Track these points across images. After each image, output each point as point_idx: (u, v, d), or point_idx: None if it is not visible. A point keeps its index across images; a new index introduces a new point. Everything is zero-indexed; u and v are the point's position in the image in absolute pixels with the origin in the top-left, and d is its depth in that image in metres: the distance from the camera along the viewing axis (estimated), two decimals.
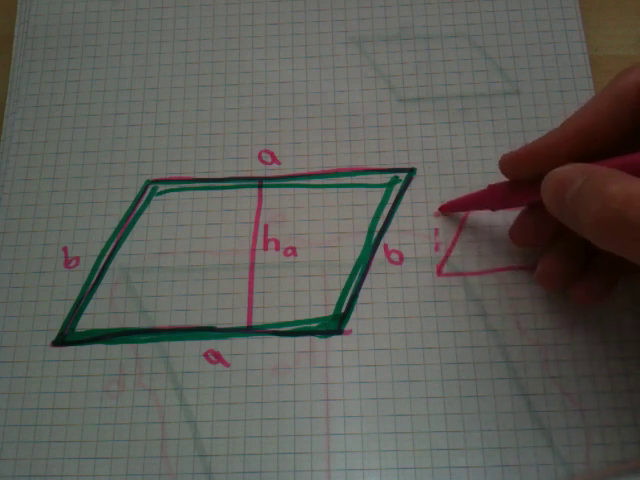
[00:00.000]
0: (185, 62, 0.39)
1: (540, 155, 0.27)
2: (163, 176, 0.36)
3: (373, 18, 0.39)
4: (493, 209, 0.32)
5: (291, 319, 0.33)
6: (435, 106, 0.36)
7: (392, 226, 0.34)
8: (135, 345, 0.33)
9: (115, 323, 0.33)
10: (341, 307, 0.33)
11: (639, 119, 0.25)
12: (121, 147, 0.37)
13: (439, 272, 0.33)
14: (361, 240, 0.34)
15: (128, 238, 0.35)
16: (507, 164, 0.29)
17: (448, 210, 0.34)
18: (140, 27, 0.39)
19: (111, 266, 0.34)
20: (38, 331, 0.33)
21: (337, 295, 0.33)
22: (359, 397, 0.31)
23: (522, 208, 0.31)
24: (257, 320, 0.33)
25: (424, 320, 0.32)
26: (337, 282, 0.33)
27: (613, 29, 0.38)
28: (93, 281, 0.34)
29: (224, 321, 0.33)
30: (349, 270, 0.34)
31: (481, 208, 0.33)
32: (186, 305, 0.34)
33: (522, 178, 0.29)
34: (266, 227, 0.35)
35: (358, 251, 0.34)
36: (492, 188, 0.31)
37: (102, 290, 0.34)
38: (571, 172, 0.24)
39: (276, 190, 0.35)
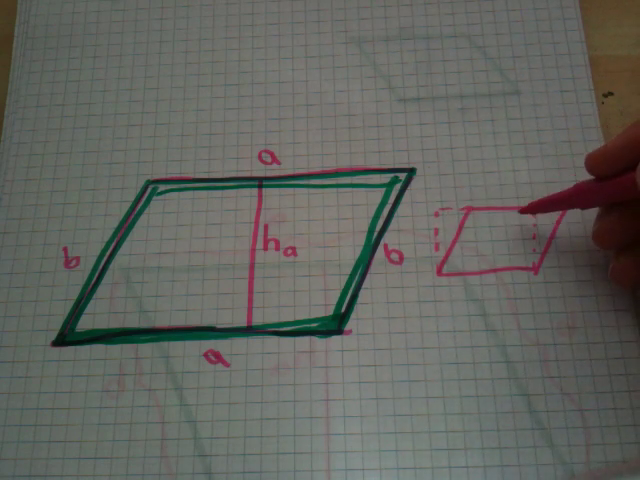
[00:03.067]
0: (185, 62, 0.39)
1: (631, 147, 0.27)
2: (163, 176, 0.36)
3: (373, 18, 0.39)
4: (582, 208, 0.31)
5: (291, 319, 0.33)
6: (435, 106, 0.36)
7: (392, 226, 0.34)
8: (135, 345, 0.33)
9: (115, 323, 0.33)
10: (341, 307, 0.33)
11: None
12: (121, 147, 0.37)
13: (439, 272, 0.33)
14: (361, 240, 0.34)
15: (128, 238, 0.35)
16: (596, 160, 0.28)
17: (531, 211, 0.33)
18: (140, 27, 0.39)
19: (111, 266, 0.34)
20: (38, 331, 0.33)
21: (337, 295, 0.33)
22: (359, 397, 0.31)
23: (599, 212, 0.30)
24: (257, 320, 0.33)
25: (424, 320, 0.32)
26: (337, 282, 0.33)
27: (613, 29, 0.38)
28: (93, 281, 0.34)
29: (224, 321, 0.33)
30: (349, 270, 0.34)
31: (568, 208, 0.31)
32: (186, 305, 0.34)
33: (610, 174, 0.28)
34: (266, 227, 0.35)
35: (358, 251, 0.34)
36: (579, 187, 0.30)
37: (102, 290, 0.34)
38: None
39: (276, 190, 0.35)
